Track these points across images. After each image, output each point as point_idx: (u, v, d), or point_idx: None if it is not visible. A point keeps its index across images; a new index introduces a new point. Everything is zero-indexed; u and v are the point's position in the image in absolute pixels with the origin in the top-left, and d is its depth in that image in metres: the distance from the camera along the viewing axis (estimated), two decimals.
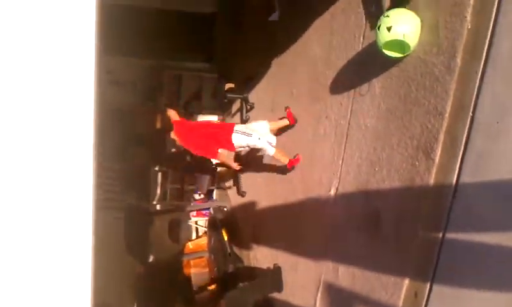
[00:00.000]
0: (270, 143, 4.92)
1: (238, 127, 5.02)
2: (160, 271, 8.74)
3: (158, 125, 8.59)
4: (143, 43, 8.11)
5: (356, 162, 3.83)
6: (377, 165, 3.55)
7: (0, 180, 2.47)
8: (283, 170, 5.36)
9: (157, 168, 8.94)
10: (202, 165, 7.14)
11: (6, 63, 2.35)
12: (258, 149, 5.13)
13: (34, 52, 2.42)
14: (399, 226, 3.25)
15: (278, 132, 5.30)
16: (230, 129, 4.99)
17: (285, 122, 5.21)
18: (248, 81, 6.78)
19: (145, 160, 8.79)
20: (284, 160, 5.08)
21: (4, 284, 2.59)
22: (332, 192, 4.21)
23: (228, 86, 6.91)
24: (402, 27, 3.01)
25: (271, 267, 5.52)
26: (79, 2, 2.44)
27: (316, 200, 4.54)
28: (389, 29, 3.03)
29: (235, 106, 7.61)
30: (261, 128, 5.03)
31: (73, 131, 2.58)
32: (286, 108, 5.25)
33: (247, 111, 6.83)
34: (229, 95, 6.91)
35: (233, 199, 7.72)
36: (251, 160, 6.66)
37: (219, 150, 5.07)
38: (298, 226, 4.96)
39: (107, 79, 8.47)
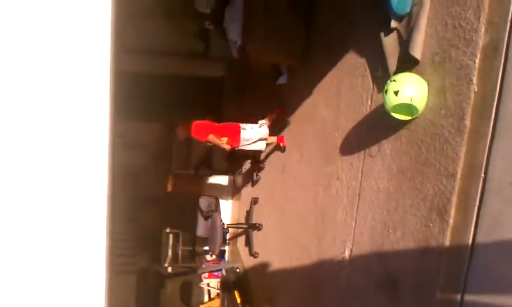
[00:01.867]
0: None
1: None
2: None
3: (169, 187, 8.62)
4: (154, 107, 8.27)
5: (370, 223, 3.81)
6: (390, 227, 3.53)
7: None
8: (296, 227, 5.33)
9: (168, 230, 8.91)
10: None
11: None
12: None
13: (50, 117, 2.46)
14: (417, 289, 3.19)
15: None
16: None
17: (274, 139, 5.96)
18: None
19: (156, 222, 8.78)
20: (272, 140, 5.93)
21: None
22: (347, 253, 4.16)
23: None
24: (409, 90, 3.07)
25: None
26: (93, 71, 2.49)
27: (331, 262, 4.49)
28: (396, 93, 3.08)
29: (245, 167, 7.67)
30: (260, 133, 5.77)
31: (87, 192, 2.59)
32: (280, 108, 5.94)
33: (257, 172, 6.87)
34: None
35: (246, 260, 7.64)
36: (261, 215, 6.66)
37: (210, 136, 5.62)
38: (314, 289, 4.88)
39: (120, 143, 8.55)
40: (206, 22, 6.95)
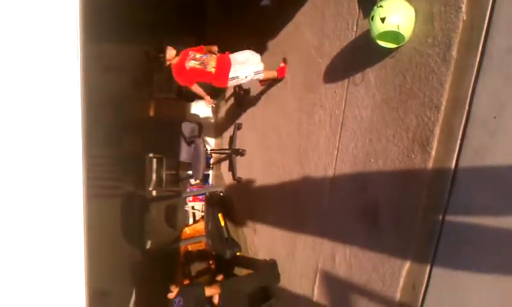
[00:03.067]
0: (258, 72, 5.02)
1: (232, 74, 5.02)
2: (158, 257, 8.77)
3: (151, 112, 8.50)
4: (135, 29, 7.97)
5: (352, 152, 3.80)
6: (372, 156, 3.52)
7: None
8: (279, 153, 5.34)
9: (151, 155, 8.87)
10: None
11: None
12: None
13: (17, 34, 2.35)
14: (397, 216, 3.23)
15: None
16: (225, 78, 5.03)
17: (273, 74, 5.26)
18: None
19: (140, 147, 8.72)
20: (273, 75, 5.25)
21: None
22: (328, 181, 4.18)
23: None
24: (396, 17, 2.95)
25: (268, 258, 5.53)
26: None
27: (313, 187, 4.52)
28: (383, 19, 2.96)
29: (228, 92, 7.56)
30: (251, 60, 5.12)
31: (60, 117, 2.53)
32: (283, 60, 5.25)
33: (242, 95, 6.76)
34: None
35: (229, 183, 7.71)
36: (244, 141, 6.64)
37: (194, 85, 5.15)
38: (296, 213, 4.96)
39: (99, 66, 8.35)
40: None
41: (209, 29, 8.44)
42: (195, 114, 8.54)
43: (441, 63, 2.79)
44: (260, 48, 5.61)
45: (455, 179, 2.75)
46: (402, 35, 3.00)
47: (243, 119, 6.89)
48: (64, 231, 2.69)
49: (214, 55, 5.06)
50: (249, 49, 5.22)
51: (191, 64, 4.99)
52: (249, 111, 6.62)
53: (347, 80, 3.88)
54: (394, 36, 3.06)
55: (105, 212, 7.39)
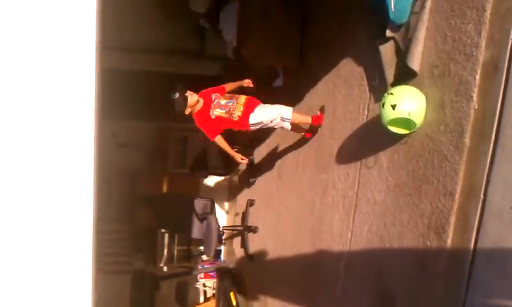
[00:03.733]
0: (284, 119, 4.47)
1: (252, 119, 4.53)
2: None
3: (164, 187, 8.54)
4: (147, 106, 8.17)
5: (366, 235, 3.73)
6: (387, 241, 3.44)
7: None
8: (292, 232, 5.26)
9: (163, 230, 8.82)
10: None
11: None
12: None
13: (35, 112, 2.39)
14: (414, 305, 3.11)
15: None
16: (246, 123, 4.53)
17: (307, 119, 4.66)
18: (253, 142, 6.77)
19: (152, 222, 8.69)
20: (306, 120, 4.65)
21: None
22: (342, 265, 4.08)
23: (235, 149, 6.88)
24: (407, 105, 2.97)
25: None
26: (78, 69, 2.41)
27: (326, 269, 4.41)
28: (394, 106, 2.99)
29: (241, 167, 7.58)
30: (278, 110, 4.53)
31: (73, 192, 2.52)
32: (321, 108, 4.65)
33: (253, 175, 6.78)
34: None
35: (241, 260, 7.58)
36: (257, 217, 6.58)
37: (217, 137, 4.59)
38: (308, 294, 4.81)
39: (113, 142, 8.51)
40: (201, 20, 6.81)
41: None
42: (208, 190, 8.54)
43: (454, 151, 2.78)
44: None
45: (472, 269, 2.65)
46: (414, 122, 3.01)
47: (256, 195, 6.87)
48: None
49: (241, 100, 4.56)
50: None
51: (217, 113, 4.53)
52: (262, 188, 6.61)
53: (359, 162, 3.87)
54: (406, 122, 3.07)
55: (115, 289, 7.29)
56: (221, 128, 4.58)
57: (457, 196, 2.76)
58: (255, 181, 6.76)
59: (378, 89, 3.58)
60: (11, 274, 2.49)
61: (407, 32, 3.18)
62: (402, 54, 3.23)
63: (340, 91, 4.23)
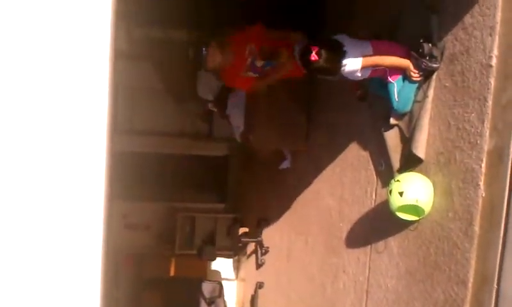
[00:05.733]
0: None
1: None
2: None
3: (172, 270, 8.43)
4: (156, 187, 8.25)
5: None
6: None
7: None
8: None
9: None
10: None
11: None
12: None
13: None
14: None
15: None
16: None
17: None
18: (261, 223, 6.75)
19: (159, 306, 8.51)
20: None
21: None
22: None
23: (243, 230, 6.88)
24: (414, 192, 2.99)
25: None
26: (89, 152, 2.45)
27: None
28: (401, 193, 3.00)
29: (250, 248, 7.51)
30: None
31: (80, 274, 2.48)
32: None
33: (262, 255, 6.71)
34: (243, 239, 6.85)
35: None
36: (266, 301, 6.43)
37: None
38: None
39: (123, 223, 8.51)
40: (210, 104, 7.01)
41: (230, 187, 8.65)
42: (216, 273, 8.42)
43: (464, 238, 2.76)
44: (282, 209, 5.70)
45: None
46: (422, 209, 3.02)
47: (265, 277, 6.75)
48: None
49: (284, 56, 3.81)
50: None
51: (249, 75, 3.91)
52: (271, 270, 6.51)
53: (369, 247, 3.84)
54: (414, 208, 3.07)
55: None
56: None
57: (470, 284, 2.72)
58: (263, 262, 6.67)
59: (385, 174, 3.61)
60: None
61: (411, 120, 3.25)
62: (407, 140, 3.29)
63: (347, 175, 4.27)
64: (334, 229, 4.48)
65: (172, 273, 8.41)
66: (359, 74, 3.29)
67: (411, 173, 3.16)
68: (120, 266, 8.35)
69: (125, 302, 8.46)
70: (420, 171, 3.14)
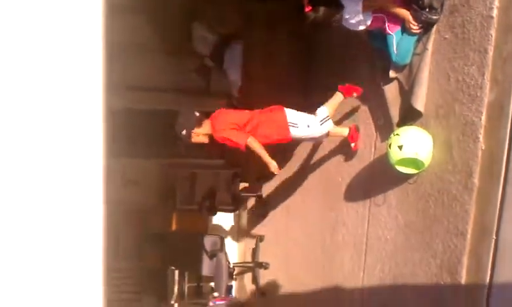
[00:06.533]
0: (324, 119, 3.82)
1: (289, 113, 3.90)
2: None
3: (173, 225, 8.52)
4: (156, 144, 8.23)
5: (378, 275, 3.70)
6: (400, 280, 3.42)
7: None
8: (303, 270, 5.23)
9: (173, 267, 8.78)
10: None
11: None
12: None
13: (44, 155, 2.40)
14: None
15: None
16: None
17: (343, 132, 3.99)
18: (261, 178, 6.77)
19: (161, 259, 8.66)
20: (342, 132, 3.98)
21: None
22: (354, 304, 4.04)
23: (243, 185, 6.91)
24: (413, 145, 2.99)
25: None
26: (85, 108, 2.43)
27: None
28: (400, 147, 3.00)
29: (250, 203, 7.58)
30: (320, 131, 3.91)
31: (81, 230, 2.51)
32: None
33: (262, 209, 6.78)
34: (243, 194, 6.90)
35: (253, 296, 7.52)
36: (267, 253, 6.54)
37: (249, 139, 3.72)
38: None
39: (123, 180, 8.55)
40: (206, 58, 6.91)
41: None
42: (216, 227, 8.52)
43: (463, 190, 2.78)
44: (282, 166, 5.70)
45: None
46: (422, 162, 3.02)
47: (265, 231, 6.84)
48: None
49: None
50: None
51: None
52: (271, 223, 6.58)
53: (368, 200, 3.86)
54: (413, 162, 3.08)
55: None
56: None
57: (468, 236, 2.75)
58: (264, 216, 6.74)
59: (384, 128, 3.60)
60: None
61: (410, 72, 3.22)
62: (406, 94, 3.26)
63: None
64: (333, 183, 4.50)
65: (173, 228, 8.49)
66: (361, 17, 3.21)
67: (410, 126, 3.14)
68: (121, 222, 8.45)
69: (125, 256, 8.61)
70: (420, 125, 3.13)
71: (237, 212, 8.26)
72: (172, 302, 9.00)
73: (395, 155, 3.05)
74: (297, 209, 5.47)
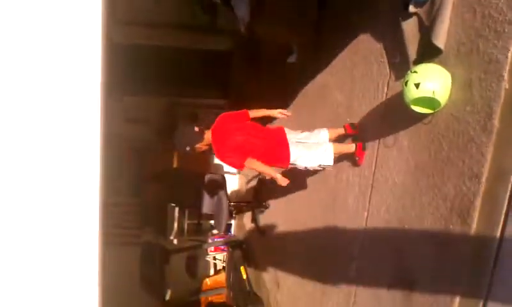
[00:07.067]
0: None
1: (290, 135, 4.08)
2: None
3: (175, 163, 8.50)
4: (158, 81, 8.09)
5: (383, 216, 3.65)
6: (406, 222, 3.37)
7: None
8: (304, 209, 5.21)
9: (173, 204, 8.83)
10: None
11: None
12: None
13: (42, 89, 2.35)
14: (436, 290, 3.04)
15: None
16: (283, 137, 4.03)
17: (350, 148, 4.05)
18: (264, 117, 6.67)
19: (162, 196, 8.70)
20: (349, 149, 4.03)
21: None
22: (357, 245, 4.03)
23: None
24: (431, 83, 2.85)
25: None
26: (84, 41, 2.35)
27: (340, 249, 4.35)
28: (417, 85, 2.87)
29: None
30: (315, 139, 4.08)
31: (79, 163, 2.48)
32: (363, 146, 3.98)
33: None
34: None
35: (252, 235, 7.59)
36: (268, 193, 6.53)
37: (247, 161, 3.79)
38: (322, 274, 4.78)
39: (124, 117, 8.48)
40: None
41: (234, 82, 8.49)
42: (218, 166, 8.50)
43: (482, 132, 2.67)
44: (287, 104, 5.58)
45: (499, 252, 2.58)
46: (438, 101, 2.89)
47: None
48: (77, 281, 2.58)
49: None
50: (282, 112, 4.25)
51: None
52: None
53: (377, 141, 3.77)
54: (429, 101, 2.95)
55: (124, 261, 7.31)
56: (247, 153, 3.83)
57: (484, 179, 2.67)
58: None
59: (399, 67, 3.46)
60: (16, 245, 2.46)
61: (432, 7, 3.03)
62: (426, 30, 3.09)
63: (358, 68, 4.10)
64: (341, 124, 4.39)
65: (175, 166, 8.48)
66: None
67: (429, 64, 3.00)
68: (123, 158, 8.42)
69: (127, 192, 8.65)
70: (439, 63, 2.98)
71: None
72: (171, 238, 9.13)
73: (411, 93, 2.92)
74: None
